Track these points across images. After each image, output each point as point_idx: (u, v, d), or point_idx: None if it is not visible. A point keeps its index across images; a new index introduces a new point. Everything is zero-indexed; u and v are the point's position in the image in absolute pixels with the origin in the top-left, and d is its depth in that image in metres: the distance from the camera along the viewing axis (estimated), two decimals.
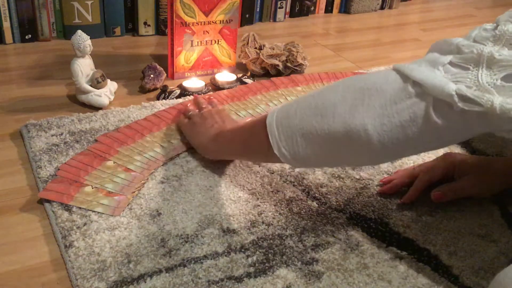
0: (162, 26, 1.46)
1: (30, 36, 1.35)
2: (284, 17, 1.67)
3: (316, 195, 0.85)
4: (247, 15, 1.59)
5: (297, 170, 0.91)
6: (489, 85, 0.56)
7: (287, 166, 0.92)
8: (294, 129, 0.68)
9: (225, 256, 0.72)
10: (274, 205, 0.82)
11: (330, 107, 0.65)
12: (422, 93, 0.59)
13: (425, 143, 0.63)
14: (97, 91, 1.05)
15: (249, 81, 1.20)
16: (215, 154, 0.89)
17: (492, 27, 0.60)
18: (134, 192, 0.82)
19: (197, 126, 0.93)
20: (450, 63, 0.59)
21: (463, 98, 0.56)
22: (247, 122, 0.85)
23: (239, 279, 0.68)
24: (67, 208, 0.78)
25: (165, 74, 1.16)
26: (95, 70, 1.07)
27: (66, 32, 1.38)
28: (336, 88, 0.66)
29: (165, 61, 1.22)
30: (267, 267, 0.71)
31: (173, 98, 1.10)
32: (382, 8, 1.86)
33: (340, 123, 0.63)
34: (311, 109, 0.67)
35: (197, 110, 0.98)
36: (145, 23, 1.45)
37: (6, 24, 1.31)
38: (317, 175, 0.90)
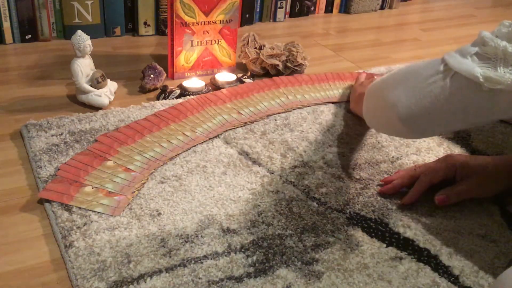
0: (162, 26, 1.46)
1: (30, 36, 1.35)
2: (284, 17, 1.67)
3: (316, 195, 0.85)
4: (247, 15, 1.59)
5: (297, 170, 0.91)
6: (505, 74, 0.64)
7: (287, 166, 0.92)
8: (367, 98, 0.86)
9: (225, 256, 0.72)
10: (274, 205, 0.82)
11: (387, 85, 0.79)
12: (446, 74, 0.69)
13: (447, 120, 0.72)
14: (97, 91, 1.05)
15: (249, 81, 1.20)
16: (355, 111, 1.09)
17: (509, 24, 0.66)
18: (134, 192, 0.82)
19: (356, 88, 1.11)
20: (476, 53, 0.68)
21: (487, 78, 0.65)
22: None
23: (239, 279, 0.68)
24: (67, 208, 0.78)
25: (165, 74, 1.16)
26: (95, 70, 1.07)
27: (66, 32, 1.38)
28: (398, 71, 0.80)
29: (165, 61, 1.22)
30: (267, 267, 0.71)
31: (173, 98, 1.10)
32: (382, 8, 1.86)
33: (384, 96, 0.77)
34: (379, 83, 0.83)
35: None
36: (145, 23, 1.45)
37: (6, 24, 1.31)
38: (317, 175, 0.90)
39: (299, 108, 1.11)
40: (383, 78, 0.83)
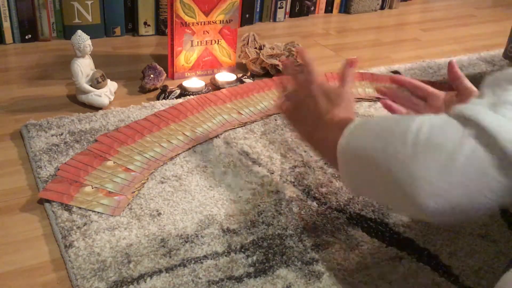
0: (162, 26, 1.46)
1: (30, 36, 1.35)
2: (284, 17, 1.68)
3: (316, 195, 0.85)
4: (247, 15, 1.59)
5: (297, 170, 0.91)
6: None
7: (287, 166, 0.92)
8: (349, 160, 0.61)
9: (225, 256, 0.72)
10: (274, 205, 0.82)
11: (386, 158, 0.55)
12: (480, 141, 0.49)
13: (483, 208, 0.51)
14: (97, 91, 1.05)
15: (249, 81, 1.20)
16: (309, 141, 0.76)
17: None
18: (134, 192, 0.82)
19: (298, 111, 0.77)
20: None
21: None
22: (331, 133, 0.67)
23: (239, 279, 0.68)
24: (67, 208, 0.78)
25: (165, 74, 1.16)
26: (95, 70, 1.07)
27: (66, 32, 1.38)
28: (396, 134, 0.55)
29: (165, 61, 1.22)
30: (267, 267, 0.71)
31: (173, 98, 1.10)
32: (382, 8, 1.86)
33: (388, 174, 0.54)
34: (370, 145, 0.57)
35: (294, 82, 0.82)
36: (145, 23, 1.45)
37: (6, 24, 1.32)
38: (317, 175, 0.90)
39: None
40: (374, 135, 0.58)
